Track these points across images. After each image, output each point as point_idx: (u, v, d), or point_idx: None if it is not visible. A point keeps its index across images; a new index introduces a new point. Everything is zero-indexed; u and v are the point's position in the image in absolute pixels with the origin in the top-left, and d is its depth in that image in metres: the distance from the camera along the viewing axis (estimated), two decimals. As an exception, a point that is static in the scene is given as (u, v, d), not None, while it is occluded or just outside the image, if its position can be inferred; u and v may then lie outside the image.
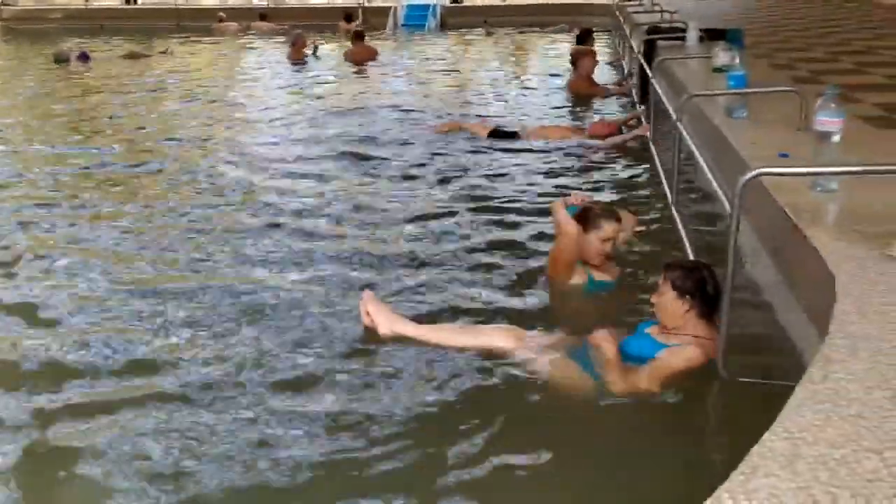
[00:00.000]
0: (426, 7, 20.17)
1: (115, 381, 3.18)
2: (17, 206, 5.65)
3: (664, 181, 5.09)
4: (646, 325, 3.16)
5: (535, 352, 3.18)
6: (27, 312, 3.81)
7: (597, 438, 2.71)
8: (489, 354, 3.21)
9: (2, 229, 5.10)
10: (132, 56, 14.33)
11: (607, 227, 3.67)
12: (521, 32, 17.97)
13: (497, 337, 3.30)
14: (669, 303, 3.01)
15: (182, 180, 6.32)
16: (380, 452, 2.64)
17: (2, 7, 23.82)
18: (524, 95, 9.79)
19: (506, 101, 9.39)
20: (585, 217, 3.70)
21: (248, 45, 16.88)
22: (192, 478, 2.55)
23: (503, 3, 22.56)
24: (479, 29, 18.63)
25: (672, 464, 2.52)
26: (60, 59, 13.63)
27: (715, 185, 3.34)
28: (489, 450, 2.64)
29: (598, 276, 3.76)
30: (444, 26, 19.58)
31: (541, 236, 4.64)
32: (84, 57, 13.80)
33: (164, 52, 14.95)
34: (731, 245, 2.55)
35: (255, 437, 2.75)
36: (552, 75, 11.10)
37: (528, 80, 11.26)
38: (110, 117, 9.18)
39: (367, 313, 3.47)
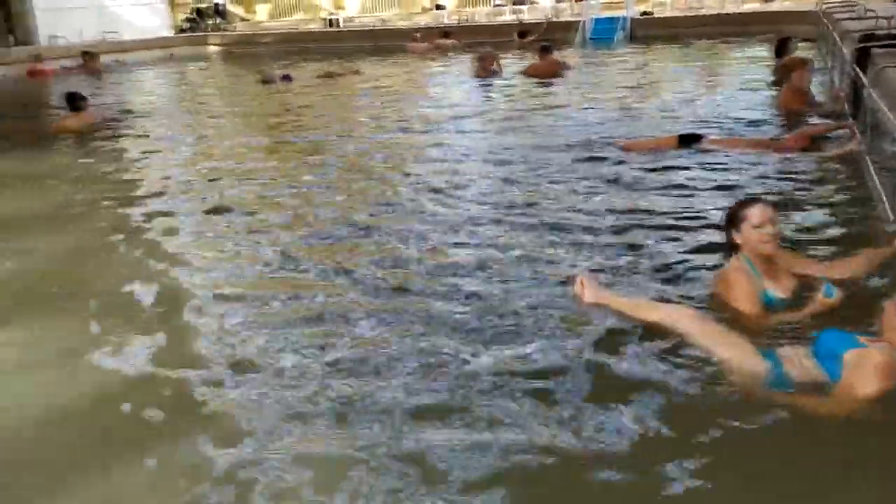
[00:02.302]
0: (614, 20, 19.89)
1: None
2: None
3: (884, 199, 4.67)
4: (863, 334, 2.92)
5: (726, 341, 3.18)
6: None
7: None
8: (679, 335, 3.32)
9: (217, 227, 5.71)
10: (327, 76, 15.34)
11: (753, 211, 3.57)
12: (722, 42, 17.16)
13: (690, 321, 3.35)
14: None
15: (367, 184, 6.74)
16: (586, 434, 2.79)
17: (223, 33, 26.34)
18: (719, 111, 9.32)
19: (698, 117, 9.00)
20: (732, 217, 3.66)
21: (435, 63, 17.48)
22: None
23: (697, 14, 21.73)
24: (671, 41, 18.06)
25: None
26: (266, 80, 14.89)
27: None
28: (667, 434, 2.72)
29: (773, 289, 3.57)
30: (633, 39, 19.20)
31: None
32: (287, 78, 15.00)
33: (355, 72, 15.87)
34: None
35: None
36: (752, 89, 10.53)
37: (724, 95, 10.74)
38: (304, 128, 9.88)
39: (581, 282, 3.82)
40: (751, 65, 13.36)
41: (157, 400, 3.24)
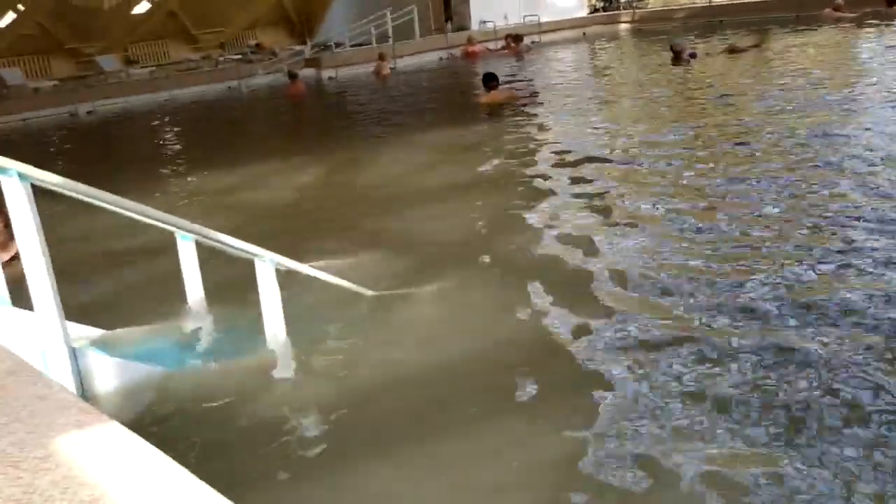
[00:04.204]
0: None
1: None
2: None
3: None
4: None
5: None
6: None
7: None
8: None
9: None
10: (733, 50, 14.61)
11: None
12: None
13: None
14: None
15: (769, 169, 6.40)
16: None
17: (635, 10, 26.55)
18: None
19: None
20: None
21: (867, 32, 15.49)
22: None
23: None
24: None
25: None
26: (677, 56, 14.62)
27: None
28: None
29: None
30: None
31: None
32: (691, 55, 14.60)
33: (756, 46, 14.86)
34: None
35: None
36: None
37: None
38: (701, 107, 9.65)
39: None
40: None
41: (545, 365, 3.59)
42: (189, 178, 9.38)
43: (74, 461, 1.72)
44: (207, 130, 14.37)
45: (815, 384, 3.14)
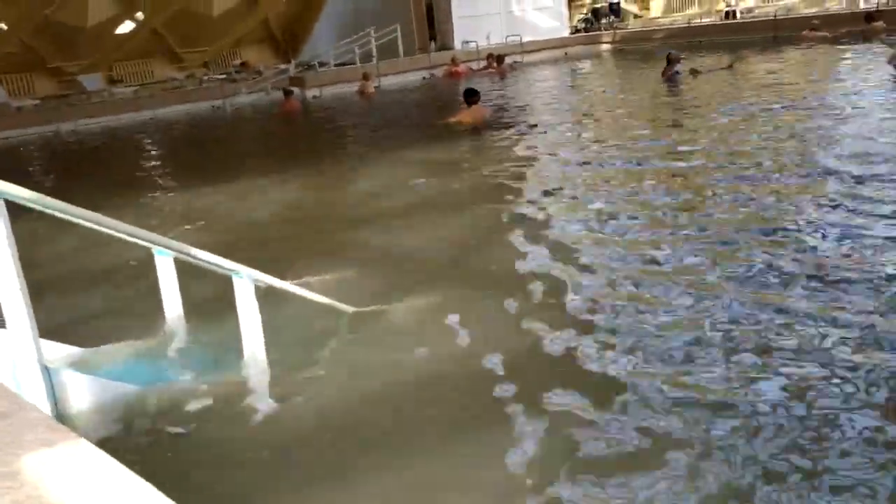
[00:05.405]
0: None
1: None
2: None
3: None
4: None
5: None
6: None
7: None
8: None
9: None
10: (693, 73, 14.74)
11: None
12: None
13: None
14: None
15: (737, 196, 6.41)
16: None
17: (615, 30, 26.83)
18: None
19: None
20: None
21: (837, 55, 15.71)
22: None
23: None
24: None
25: None
26: (669, 64, 14.74)
27: None
28: None
29: None
30: None
31: None
32: (676, 73, 14.73)
33: (726, 67, 15.02)
34: None
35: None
36: None
37: None
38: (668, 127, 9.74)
39: None
40: None
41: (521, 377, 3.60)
42: (171, 197, 9.33)
43: (39, 480, 1.69)
44: (191, 149, 14.32)
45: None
